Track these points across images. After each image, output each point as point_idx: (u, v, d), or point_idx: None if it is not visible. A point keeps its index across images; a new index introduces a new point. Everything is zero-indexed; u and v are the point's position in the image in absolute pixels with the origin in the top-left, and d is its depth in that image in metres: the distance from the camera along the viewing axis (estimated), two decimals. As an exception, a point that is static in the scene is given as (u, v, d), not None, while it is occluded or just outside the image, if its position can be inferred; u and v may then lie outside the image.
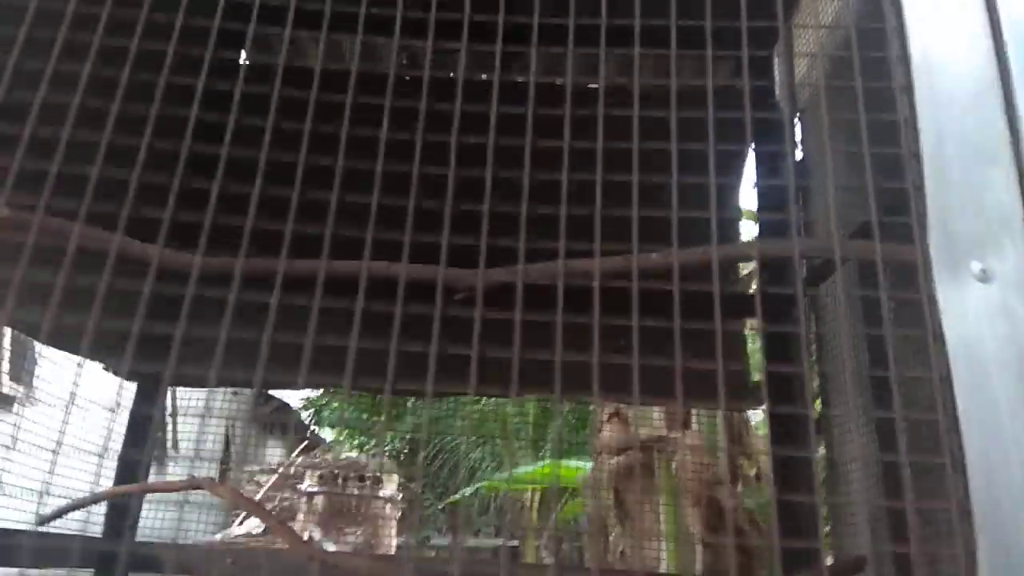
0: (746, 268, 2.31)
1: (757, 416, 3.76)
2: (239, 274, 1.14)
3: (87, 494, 1.33)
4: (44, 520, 1.31)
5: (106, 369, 1.63)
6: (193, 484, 1.33)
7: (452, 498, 9.24)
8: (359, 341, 1.09)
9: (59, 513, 1.32)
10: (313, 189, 1.17)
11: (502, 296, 1.22)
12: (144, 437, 1.85)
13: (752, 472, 4.00)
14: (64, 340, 1.46)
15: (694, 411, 3.43)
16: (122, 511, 1.62)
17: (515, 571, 1.66)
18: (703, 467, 3.26)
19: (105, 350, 1.14)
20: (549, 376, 0.97)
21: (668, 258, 1.21)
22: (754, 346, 2.34)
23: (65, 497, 1.31)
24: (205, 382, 1.08)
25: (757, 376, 2.21)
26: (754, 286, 2.30)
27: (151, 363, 1.04)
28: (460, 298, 1.28)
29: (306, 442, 8.96)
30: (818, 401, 2.18)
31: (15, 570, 1.18)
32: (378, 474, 6.12)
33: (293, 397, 10.01)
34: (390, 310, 1.05)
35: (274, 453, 9.48)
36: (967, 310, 0.74)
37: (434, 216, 1.13)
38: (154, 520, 1.82)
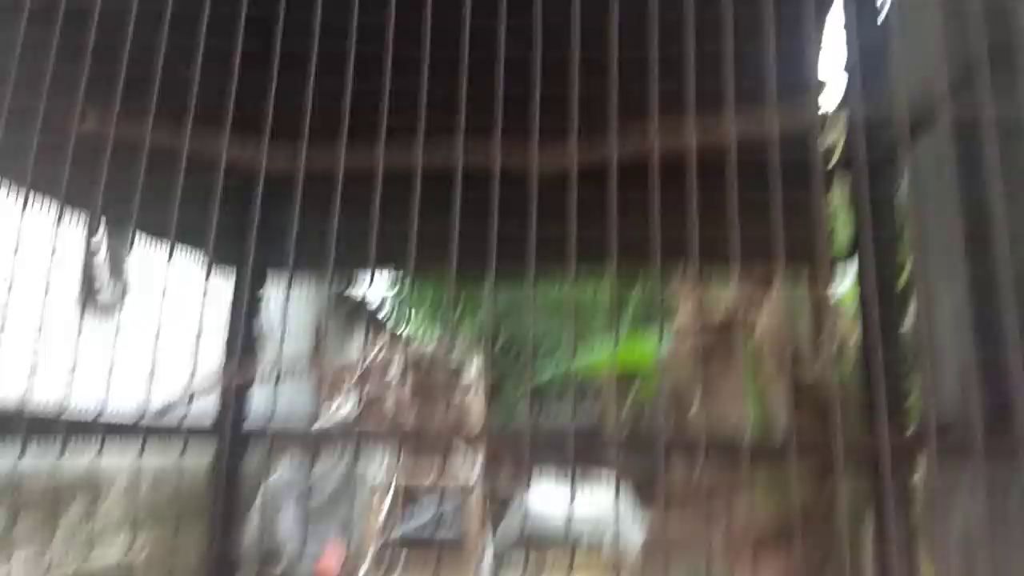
0: (835, 135, 2.20)
1: (841, 290, 3.68)
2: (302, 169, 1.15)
3: (192, 384, 1.42)
4: (158, 413, 1.42)
5: (200, 261, 1.71)
6: (295, 369, 1.40)
7: (531, 383, 9.52)
8: (429, 225, 1.10)
9: (170, 406, 1.41)
10: (363, 80, 1.15)
11: (589, 179, 1.20)
12: (241, 329, 1.96)
13: (834, 347, 3.95)
14: (159, 233, 1.53)
15: (775, 287, 3.38)
16: (227, 399, 1.74)
17: (593, 445, 1.72)
18: (784, 344, 3.24)
19: (197, 240, 1.19)
20: (636, 249, 0.97)
21: (763, 124, 1.16)
22: (842, 216, 2.26)
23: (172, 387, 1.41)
24: (291, 269, 1.12)
25: (843, 247, 2.14)
26: (838, 152, 2.20)
27: (240, 251, 1.08)
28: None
29: (388, 336, 9.32)
30: (907, 268, 2.11)
31: (129, 459, 1.26)
32: (458, 362, 6.33)
33: (372, 294, 10.34)
34: (478, 195, 1.06)
35: (358, 347, 9.89)
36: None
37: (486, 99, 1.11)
38: (255, 407, 1.94)
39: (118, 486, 5.44)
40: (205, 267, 1.69)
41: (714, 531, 3.80)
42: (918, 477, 2.01)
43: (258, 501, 7.24)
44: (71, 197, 1.11)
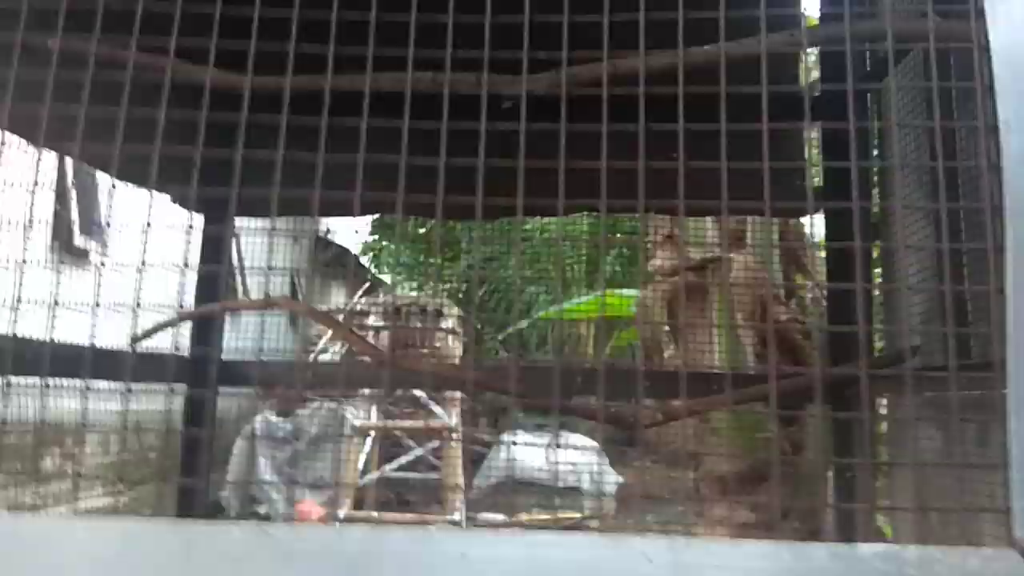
0: (806, 67, 2.20)
1: (814, 228, 3.72)
2: (288, 93, 1.15)
3: (173, 315, 1.42)
4: (137, 338, 1.42)
5: (173, 201, 1.70)
6: (270, 302, 1.41)
7: (509, 330, 9.59)
8: (409, 158, 1.10)
9: (150, 332, 1.42)
10: (348, 8, 1.14)
11: (548, 108, 1.20)
12: (217, 263, 1.96)
13: (808, 293, 4.02)
14: (130, 173, 1.51)
15: (749, 228, 3.41)
16: (206, 332, 1.75)
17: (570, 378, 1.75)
18: (757, 285, 3.29)
19: (169, 180, 1.18)
20: (597, 189, 0.97)
21: (717, 53, 1.17)
22: (815, 149, 2.28)
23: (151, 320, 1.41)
24: (267, 209, 1.12)
25: (816, 180, 2.17)
26: (810, 84, 2.21)
27: (214, 189, 1.08)
28: (507, 106, 1.26)
29: (367, 284, 9.30)
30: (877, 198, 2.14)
31: (120, 385, 1.28)
32: (439, 308, 6.36)
33: (352, 243, 10.29)
34: (436, 126, 1.06)
35: (337, 296, 9.89)
36: (1013, 14, 0.70)
37: (475, 30, 1.10)
38: (236, 342, 1.96)
39: (102, 429, 5.45)
40: (180, 205, 1.68)
41: (686, 474, 3.91)
42: (882, 411, 2.08)
43: (239, 443, 7.32)
44: (48, 136, 1.10)
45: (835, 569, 0.44)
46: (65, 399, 1.00)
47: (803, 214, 2.35)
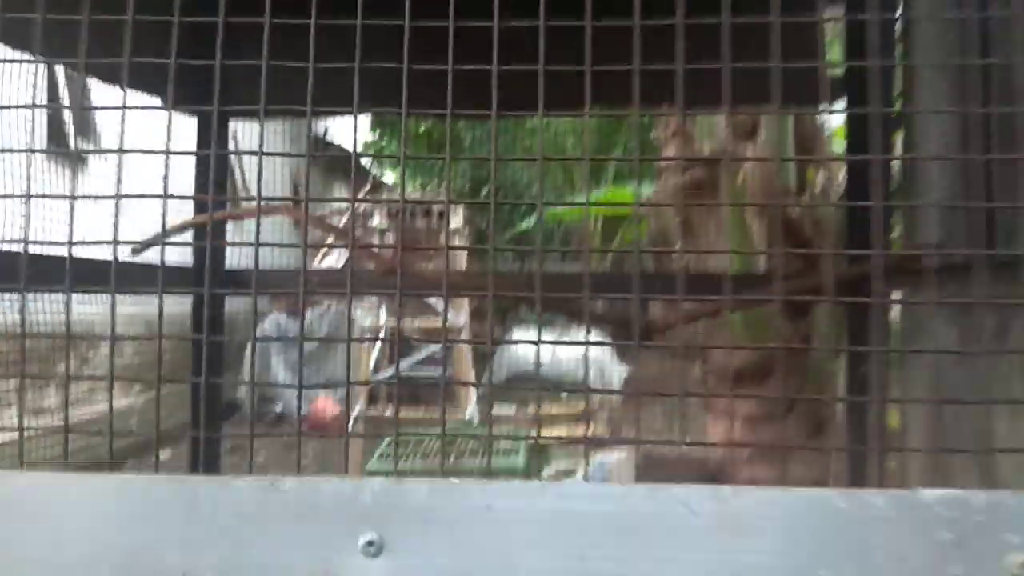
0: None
1: (829, 122, 3.60)
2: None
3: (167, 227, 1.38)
4: (140, 248, 1.38)
5: (164, 107, 1.62)
6: (272, 209, 1.37)
7: (516, 229, 9.53)
8: (410, 61, 1.03)
9: (150, 242, 1.38)
10: None
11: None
12: (212, 172, 1.90)
13: (820, 181, 3.93)
14: (116, 77, 1.43)
15: (762, 119, 3.30)
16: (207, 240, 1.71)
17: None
18: (769, 178, 3.20)
19: (158, 85, 1.11)
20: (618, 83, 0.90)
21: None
22: (832, 39, 2.16)
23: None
24: (259, 112, 1.05)
25: (834, 72, 2.07)
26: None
27: (205, 94, 1.01)
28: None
29: (370, 184, 9.19)
30: (899, 98, 2.04)
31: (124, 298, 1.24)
32: (442, 211, 6.29)
33: (354, 140, 10.08)
34: (442, 24, 0.97)
35: (340, 194, 9.77)
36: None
37: None
38: (238, 258, 1.92)
39: (120, 336, 5.51)
40: (171, 108, 1.60)
41: (692, 369, 3.94)
42: (896, 310, 2.05)
43: (248, 351, 7.42)
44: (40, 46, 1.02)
45: (894, 516, 0.41)
46: (77, 304, 0.98)
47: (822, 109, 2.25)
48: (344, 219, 6.42)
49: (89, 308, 1.60)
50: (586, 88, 0.86)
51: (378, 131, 11.35)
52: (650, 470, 4.05)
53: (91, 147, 5.17)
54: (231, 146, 2.11)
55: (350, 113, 1.16)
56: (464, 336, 6.49)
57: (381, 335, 6.45)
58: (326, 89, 1.11)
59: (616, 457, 4.34)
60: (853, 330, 1.97)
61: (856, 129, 2.08)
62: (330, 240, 6.19)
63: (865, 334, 1.80)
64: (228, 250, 1.85)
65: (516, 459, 3.65)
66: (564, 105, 1.06)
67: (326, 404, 6.98)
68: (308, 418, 6.88)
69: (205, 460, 1.86)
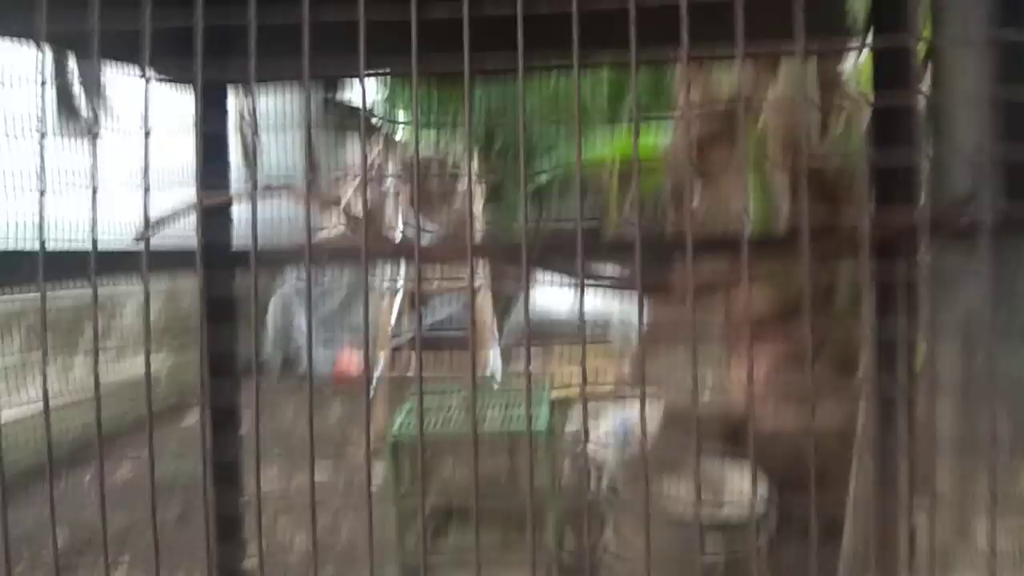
0: None
1: (852, 67, 3.46)
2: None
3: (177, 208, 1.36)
4: (145, 232, 1.36)
5: (170, 81, 1.59)
6: (273, 190, 1.33)
7: (533, 184, 9.41)
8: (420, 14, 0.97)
9: (159, 223, 1.36)
10: None
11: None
12: (218, 149, 1.86)
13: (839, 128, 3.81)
14: (121, 54, 1.40)
15: (783, 63, 3.18)
16: (212, 222, 1.68)
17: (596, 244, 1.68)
18: (790, 125, 3.11)
19: (162, 58, 1.07)
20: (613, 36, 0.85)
21: None
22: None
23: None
24: (263, 78, 1.01)
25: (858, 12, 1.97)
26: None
27: (209, 65, 0.97)
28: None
29: (381, 142, 9.08)
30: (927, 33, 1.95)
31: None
32: (455, 171, 6.23)
33: (363, 98, 9.92)
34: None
35: (353, 152, 9.70)
36: None
37: None
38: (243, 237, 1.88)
39: (130, 307, 5.58)
40: (168, 81, 1.56)
41: (713, 317, 3.90)
42: (923, 260, 1.99)
43: (274, 301, 7.48)
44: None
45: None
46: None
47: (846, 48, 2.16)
48: (355, 183, 6.38)
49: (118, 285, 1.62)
50: (573, 36, 0.81)
51: (387, 86, 11.18)
52: (673, 423, 4.05)
53: (105, 123, 5.16)
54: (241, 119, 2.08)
55: (356, 76, 1.11)
56: (484, 292, 6.48)
57: (400, 294, 6.45)
58: (333, 52, 1.07)
59: (638, 412, 4.33)
60: (880, 287, 1.92)
61: (883, 67, 1.98)
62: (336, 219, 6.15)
63: (893, 292, 1.75)
64: (235, 231, 1.83)
65: (539, 413, 3.66)
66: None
67: (351, 361, 7.05)
68: (333, 375, 6.95)
69: (222, 423, 1.91)
